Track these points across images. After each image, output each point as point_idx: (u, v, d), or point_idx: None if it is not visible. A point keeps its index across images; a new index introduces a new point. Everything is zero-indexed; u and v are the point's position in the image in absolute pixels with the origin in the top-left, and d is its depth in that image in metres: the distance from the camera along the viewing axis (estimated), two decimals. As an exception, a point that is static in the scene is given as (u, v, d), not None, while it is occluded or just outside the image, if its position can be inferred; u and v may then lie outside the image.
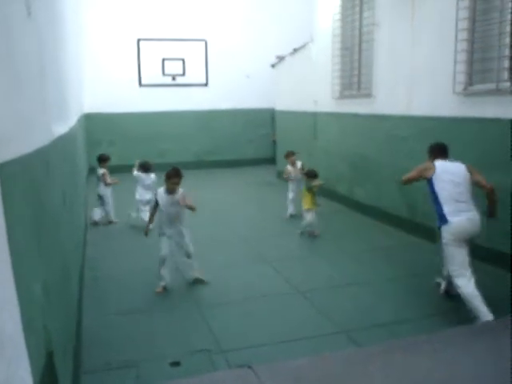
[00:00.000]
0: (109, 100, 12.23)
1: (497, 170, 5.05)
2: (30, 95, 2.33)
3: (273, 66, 11.55)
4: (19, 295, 1.54)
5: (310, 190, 6.51)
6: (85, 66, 11.70)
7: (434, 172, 4.10)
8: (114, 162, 11.97)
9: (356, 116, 7.83)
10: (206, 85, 13.17)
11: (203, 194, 9.64)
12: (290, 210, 7.63)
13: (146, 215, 6.61)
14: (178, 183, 4.69)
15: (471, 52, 5.43)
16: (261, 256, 5.86)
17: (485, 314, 3.85)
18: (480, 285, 4.74)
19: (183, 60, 12.84)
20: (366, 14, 7.47)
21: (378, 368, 3.25)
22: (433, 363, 3.27)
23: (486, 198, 4.18)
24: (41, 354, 1.86)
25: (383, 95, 7.10)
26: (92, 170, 9.20)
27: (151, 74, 12.64)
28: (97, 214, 7.50)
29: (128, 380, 3.26)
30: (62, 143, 3.75)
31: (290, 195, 7.65)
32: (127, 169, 7.82)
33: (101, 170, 7.51)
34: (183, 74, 12.91)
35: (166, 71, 12.76)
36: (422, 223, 6.24)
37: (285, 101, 11.09)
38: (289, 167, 7.62)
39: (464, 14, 5.40)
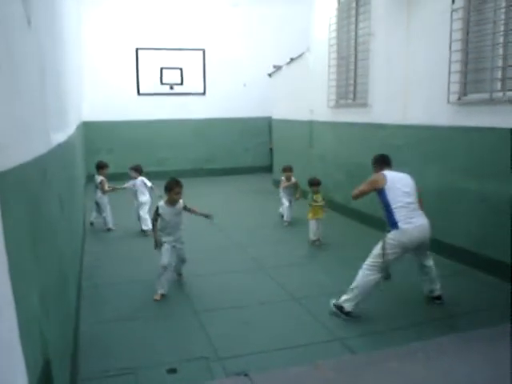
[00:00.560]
0: (107, 108, 12.28)
1: (491, 178, 5.12)
2: (29, 103, 2.35)
3: (270, 75, 11.63)
4: (16, 302, 1.54)
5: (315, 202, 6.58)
6: (84, 75, 11.76)
7: (386, 182, 4.23)
8: (112, 169, 12.00)
9: (352, 125, 7.90)
10: (203, 94, 13.25)
11: (200, 202, 9.62)
12: (286, 217, 7.69)
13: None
14: (180, 193, 4.77)
15: (465, 62, 5.51)
16: (257, 263, 5.88)
17: (354, 305, 4.21)
18: (475, 293, 4.80)
19: (181, 69, 12.93)
20: (361, 25, 7.56)
21: (373, 376, 3.28)
22: (427, 371, 3.30)
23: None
24: (38, 361, 1.86)
25: (379, 104, 7.17)
26: (90, 178, 9.24)
27: (149, 82, 12.71)
28: (93, 215, 7.64)
29: (125, 387, 3.27)
30: (61, 151, 3.78)
31: (285, 203, 7.75)
32: (125, 177, 7.86)
33: (99, 178, 7.53)
34: (181, 83, 12.99)
35: (164, 80, 12.84)
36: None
37: (281, 109, 11.17)
38: (283, 179, 7.82)
39: (458, 25, 5.49)
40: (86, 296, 4.83)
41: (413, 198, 4.24)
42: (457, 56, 5.53)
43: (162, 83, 12.84)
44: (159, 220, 4.85)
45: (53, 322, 2.42)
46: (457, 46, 5.51)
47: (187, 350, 3.76)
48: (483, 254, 5.25)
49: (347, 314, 4.23)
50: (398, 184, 4.25)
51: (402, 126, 6.59)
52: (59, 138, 3.73)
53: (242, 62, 13.11)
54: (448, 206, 5.79)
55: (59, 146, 3.60)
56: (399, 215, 4.12)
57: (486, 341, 3.70)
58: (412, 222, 4.11)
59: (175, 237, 4.87)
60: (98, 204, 7.55)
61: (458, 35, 5.50)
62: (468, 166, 5.48)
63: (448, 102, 5.63)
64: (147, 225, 7.01)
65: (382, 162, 4.62)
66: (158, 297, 4.75)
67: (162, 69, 12.76)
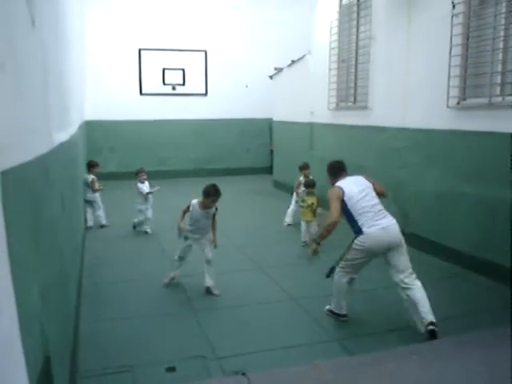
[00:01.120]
0: (110, 108, 12.33)
1: (490, 182, 5.15)
2: (32, 103, 2.37)
3: (271, 77, 11.67)
4: (17, 299, 1.55)
5: (303, 202, 6.62)
6: (87, 74, 11.80)
7: (344, 193, 4.12)
8: (114, 168, 12.08)
9: (352, 127, 7.93)
10: (205, 94, 13.29)
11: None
12: (288, 220, 7.70)
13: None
14: (216, 201, 4.82)
15: (465, 67, 5.54)
16: (256, 263, 5.92)
17: (338, 306, 4.23)
18: (472, 296, 4.83)
19: (183, 70, 12.97)
20: (362, 28, 7.60)
21: (369, 377, 3.30)
22: (424, 373, 3.32)
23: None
24: (38, 358, 1.88)
25: (379, 107, 7.20)
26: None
27: (152, 83, 12.76)
28: (90, 219, 7.69)
29: (123, 385, 3.30)
30: (63, 150, 3.81)
31: (291, 206, 7.70)
32: (127, 176, 7.92)
33: (90, 177, 7.66)
34: (183, 84, 13.03)
35: (167, 81, 12.89)
36: (415, 233, 6.32)
37: (282, 111, 11.20)
38: (301, 179, 7.46)
39: (458, 30, 5.53)
40: (86, 294, 4.86)
41: (373, 200, 4.12)
42: (456, 61, 5.56)
43: (164, 84, 12.89)
44: (189, 215, 4.94)
45: (53, 319, 2.44)
46: (457, 50, 5.55)
47: (185, 348, 3.79)
48: (481, 257, 5.28)
49: (339, 315, 4.28)
50: (355, 190, 4.13)
51: (401, 129, 6.62)
52: (61, 137, 3.75)
53: (243, 64, 13.15)
54: (447, 209, 5.83)
55: (61, 145, 3.63)
56: (362, 221, 4.02)
57: (483, 343, 3.72)
58: (376, 225, 3.99)
59: (199, 236, 4.94)
60: (89, 202, 7.68)
61: (457, 40, 5.53)
62: (467, 169, 5.51)
63: (447, 106, 5.66)
64: (151, 227, 7.32)
65: (337, 169, 4.46)
66: (167, 279, 4.94)
67: (164, 69, 12.81)
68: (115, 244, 6.90)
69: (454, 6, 5.50)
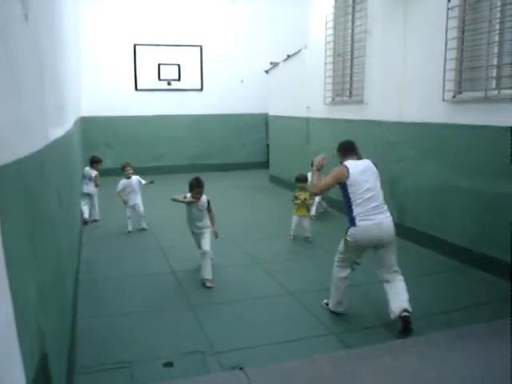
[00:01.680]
0: (105, 103, 12.28)
1: (486, 176, 5.16)
2: (27, 99, 2.36)
3: (266, 71, 11.64)
4: (13, 296, 1.55)
5: (296, 199, 6.61)
6: (82, 70, 11.75)
7: (348, 177, 3.99)
8: (110, 164, 12.03)
9: (348, 122, 7.92)
10: (200, 90, 13.25)
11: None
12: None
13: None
14: (200, 193, 5.03)
15: (460, 61, 5.54)
16: (253, 258, 5.93)
17: (335, 304, 4.21)
18: (469, 290, 4.85)
19: (179, 65, 12.92)
20: (358, 22, 7.58)
21: (367, 370, 3.32)
22: (421, 366, 3.34)
23: None
24: (35, 354, 1.88)
25: (375, 102, 7.20)
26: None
27: (147, 78, 12.71)
28: (86, 212, 7.70)
29: (122, 380, 3.30)
30: (58, 146, 3.79)
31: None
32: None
33: (93, 172, 7.76)
34: (179, 79, 12.99)
35: (162, 76, 12.84)
36: (412, 227, 6.34)
37: (278, 106, 11.19)
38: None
39: (454, 23, 5.52)
40: (84, 290, 4.86)
41: (375, 193, 4.00)
42: (452, 54, 5.56)
43: (159, 79, 12.84)
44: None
45: (50, 315, 2.44)
46: (452, 44, 5.54)
47: (183, 344, 3.79)
48: (478, 251, 5.29)
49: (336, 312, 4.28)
50: (360, 178, 3.98)
51: (397, 123, 6.62)
52: (57, 132, 3.74)
53: (239, 59, 13.11)
54: (443, 202, 5.84)
55: (57, 141, 3.62)
56: (358, 211, 3.94)
57: (480, 336, 3.74)
58: (370, 219, 3.92)
59: (196, 228, 5.18)
60: (88, 195, 7.72)
61: (453, 33, 5.53)
62: (463, 163, 5.52)
63: (443, 99, 5.66)
64: (146, 222, 7.31)
65: (347, 149, 4.29)
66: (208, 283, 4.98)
67: (159, 65, 12.75)
68: (112, 240, 6.89)
69: (449, 0, 5.50)
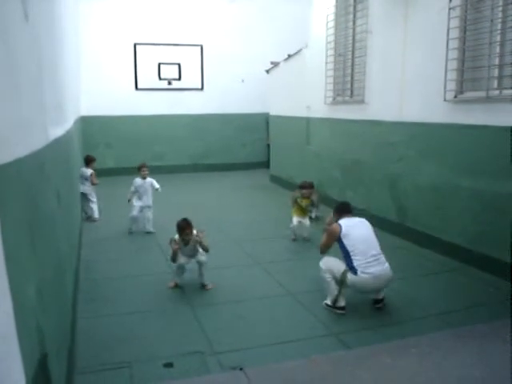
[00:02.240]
0: (106, 103, 12.27)
1: (487, 176, 5.15)
2: (27, 98, 2.36)
3: (267, 71, 11.63)
4: (13, 295, 1.55)
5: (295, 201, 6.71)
6: (82, 70, 11.74)
7: (341, 231, 4.28)
8: (110, 164, 12.05)
9: (349, 122, 7.92)
10: (201, 89, 13.24)
11: (197, 197, 9.71)
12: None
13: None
14: (189, 234, 4.76)
15: (462, 60, 5.53)
16: (253, 258, 5.92)
17: (333, 299, 4.32)
18: (469, 290, 4.84)
19: (179, 65, 12.91)
20: (359, 22, 7.57)
21: (367, 370, 3.31)
22: (421, 366, 3.34)
23: None
24: (34, 354, 1.88)
25: (376, 101, 7.19)
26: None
27: (147, 78, 12.69)
28: (95, 212, 7.83)
29: (121, 380, 3.29)
30: (58, 145, 3.79)
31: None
32: (124, 171, 7.89)
33: (89, 171, 7.82)
34: (179, 79, 12.98)
35: (162, 75, 12.82)
36: (412, 227, 6.34)
37: (279, 106, 11.18)
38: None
39: (455, 23, 5.51)
40: (84, 290, 4.86)
41: (372, 245, 4.28)
42: (454, 54, 5.55)
43: (160, 78, 12.83)
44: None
45: (50, 315, 2.43)
46: (454, 44, 5.53)
47: (183, 344, 3.78)
48: (478, 251, 5.29)
49: (336, 308, 4.31)
50: (354, 231, 4.30)
51: (398, 122, 6.62)
52: (57, 132, 3.74)
53: (239, 58, 13.10)
54: (443, 202, 5.83)
55: (57, 140, 3.61)
56: (358, 262, 4.18)
57: (480, 336, 3.74)
58: (371, 272, 4.15)
59: (189, 257, 4.94)
60: (85, 195, 7.73)
61: (455, 33, 5.51)
62: (464, 163, 5.51)
63: (444, 99, 5.65)
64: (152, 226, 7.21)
65: (341, 210, 4.61)
66: (172, 284, 4.97)
67: (159, 64, 12.74)
68: (112, 240, 6.88)
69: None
